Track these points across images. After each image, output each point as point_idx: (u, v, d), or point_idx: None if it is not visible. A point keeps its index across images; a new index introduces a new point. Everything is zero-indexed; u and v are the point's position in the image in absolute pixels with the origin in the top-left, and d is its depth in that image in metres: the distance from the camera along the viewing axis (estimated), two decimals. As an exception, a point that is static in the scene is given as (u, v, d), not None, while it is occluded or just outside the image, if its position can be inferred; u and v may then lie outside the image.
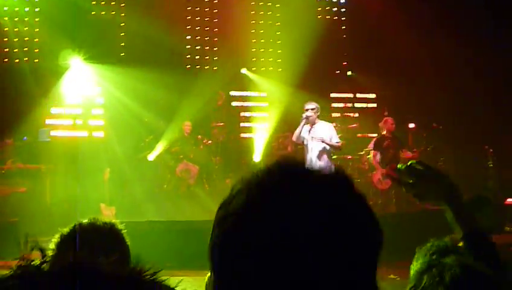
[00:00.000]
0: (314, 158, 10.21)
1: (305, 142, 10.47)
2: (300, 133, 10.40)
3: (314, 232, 1.01)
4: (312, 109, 10.34)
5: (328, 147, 10.32)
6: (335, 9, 17.28)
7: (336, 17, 17.14)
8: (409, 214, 11.76)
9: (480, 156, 14.29)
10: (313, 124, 10.35)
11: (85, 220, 2.34)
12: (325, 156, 10.33)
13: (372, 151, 12.90)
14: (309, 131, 10.37)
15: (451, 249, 2.18)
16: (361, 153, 14.30)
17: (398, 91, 15.70)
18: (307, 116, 10.25)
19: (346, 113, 16.70)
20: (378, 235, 1.09)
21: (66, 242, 2.23)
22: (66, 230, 2.28)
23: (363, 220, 1.08)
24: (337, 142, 10.44)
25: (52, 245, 2.26)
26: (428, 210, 12.95)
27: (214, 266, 1.09)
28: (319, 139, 10.22)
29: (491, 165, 14.00)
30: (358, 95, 17.43)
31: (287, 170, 1.10)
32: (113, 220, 2.40)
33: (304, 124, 10.32)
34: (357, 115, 16.89)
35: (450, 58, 14.99)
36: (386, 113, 13.66)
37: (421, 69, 15.20)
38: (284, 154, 12.49)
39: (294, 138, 10.65)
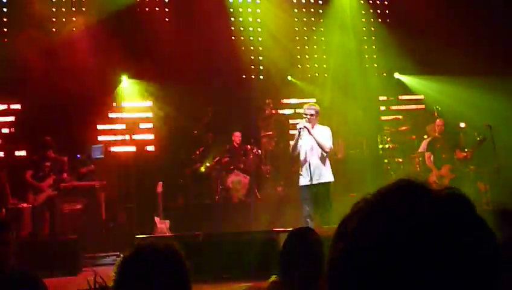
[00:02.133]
0: (320, 163, 9.74)
1: (302, 149, 9.81)
2: (297, 144, 9.77)
3: (437, 254, 1.01)
4: (312, 115, 9.73)
5: (325, 154, 9.79)
6: (379, 11, 17.16)
7: (381, 19, 17.01)
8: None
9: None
10: (307, 130, 9.69)
11: (145, 241, 2.37)
12: (327, 161, 9.83)
13: (426, 153, 12.75)
14: (300, 138, 9.73)
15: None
16: (413, 155, 14.14)
17: (447, 91, 15.53)
18: (303, 127, 9.61)
19: (395, 116, 16.57)
20: (498, 262, 1.07)
21: (127, 266, 2.27)
22: (127, 253, 2.31)
23: (487, 245, 1.07)
24: (330, 147, 9.83)
25: (114, 269, 2.30)
26: (484, 210, 12.80)
27: (330, 282, 1.10)
28: (316, 138, 9.63)
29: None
30: (407, 97, 17.25)
31: (408, 188, 1.10)
32: (171, 240, 2.42)
33: (301, 135, 9.68)
34: (406, 117, 16.70)
35: (498, 53, 14.78)
36: (435, 114, 13.48)
37: (469, 67, 14.97)
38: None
39: (291, 151, 9.87)
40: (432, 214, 1.04)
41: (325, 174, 9.72)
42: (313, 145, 9.70)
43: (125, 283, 2.22)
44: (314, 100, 15.10)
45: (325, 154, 9.77)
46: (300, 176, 9.81)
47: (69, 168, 12.32)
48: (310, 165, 9.65)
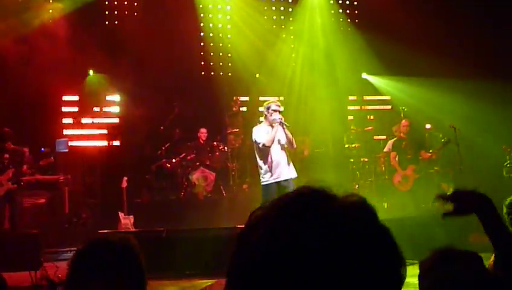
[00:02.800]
0: (287, 160, 9.59)
1: (272, 145, 9.54)
2: (274, 138, 9.48)
3: (336, 261, 0.99)
4: (280, 111, 9.64)
5: (290, 151, 9.69)
6: (348, 10, 17.28)
7: (350, 19, 17.12)
8: (428, 215, 11.70)
9: (498, 156, 14.19)
10: (285, 123, 9.51)
11: (100, 235, 2.34)
12: (289, 158, 9.70)
13: (391, 153, 12.85)
14: (275, 131, 9.47)
15: (448, 256, 2.19)
16: (378, 155, 14.26)
17: (414, 92, 15.71)
18: (280, 118, 9.44)
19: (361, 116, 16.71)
20: (403, 270, 1.06)
21: (81, 260, 2.23)
22: (81, 248, 2.28)
23: (389, 252, 1.05)
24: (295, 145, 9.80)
25: (68, 263, 2.27)
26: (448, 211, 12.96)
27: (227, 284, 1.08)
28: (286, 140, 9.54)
29: (509, 165, 13.89)
30: (373, 97, 17.39)
31: (311, 194, 1.08)
32: (130, 234, 2.39)
33: (281, 127, 9.48)
34: (372, 117, 16.86)
35: (465, 55, 14.98)
36: (401, 115, 13.61)
37: (436, 68, 15.14)
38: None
39: (269, 144, 9.47)
40: (334, 224, 1.02)
41: (291, 171, 9.66)
42: (280, 142, 9.56)
43: (78, 276, 2.19)
44: (282, 98, 15.19)
45: (289, 151, 9.69)
46: (266, 173, 9.61)
47: (31, 161, 12.12)
48: (276, 161, 9.53)
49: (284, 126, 9.46)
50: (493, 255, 4.42)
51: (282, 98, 14.92)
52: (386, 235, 1.07)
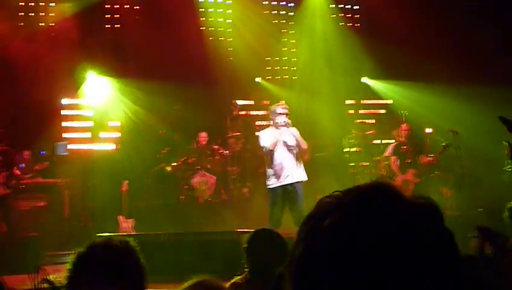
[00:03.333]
0: (295, 163, 9.51)
1: (277, 148, 9.51)
2: (277, 141, 9.45)
3: (407, 258, 1.00)
4: (287, 114, 9.53)
5: (299, 153, 9.59)
6: (349, 15, 17.29)
7: (351, 24, 17.14)
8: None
9: (498, 161, 14.18)
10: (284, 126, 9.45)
11: (100, 238, 2.34)
12: (301, 160, 9.63)
13: (391, 157, 12.83)
14: (280, 134, 9.47)
15: None
16: (378, 158, 14.25)
17: (414, 96, 15.71)
18: (285, 121, 9.39)
19: (362, 120, 16.69)
20: (461, 274, 1.06)
21: (81, 262, 2.23)
22: (81, 250, 2.28)
23: (453, 255, 1.07)
24: (306, 145, 9.66)
25: (68, 265, 2.26)
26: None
27: (294, 280, 1.07)
28: (294, 143, 9.43)
29: (510, 169, 13.86)
30: (374, 101, 17.40)
31: (382, 191, 1.09)
32: (130, 237, 2.39)
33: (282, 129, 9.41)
34: (372, 121, 16.84)
35: (465, 60, 14.99)
36: (402, 119, 13.60)
37: (437, 73, 15.15)
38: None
39: (272, 147, 9.43)
40: (406, 223, 1.03)
41: (301, 173, 9.58)
42: (287, 144, 9.48)
43: (80, 279, 2.19)
44: (282, 102, 15.17)
45: (298, 153, 9.58)
46: (271, 177, 9.53)
47: (30, 164, 12.09)
48: (281, 165, 9.46)
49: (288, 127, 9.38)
50: None
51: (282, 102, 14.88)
52: (452, 239, 1.09)
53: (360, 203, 1.06)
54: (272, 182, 9.47)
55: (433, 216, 1.08)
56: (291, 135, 9.44)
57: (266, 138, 9.50)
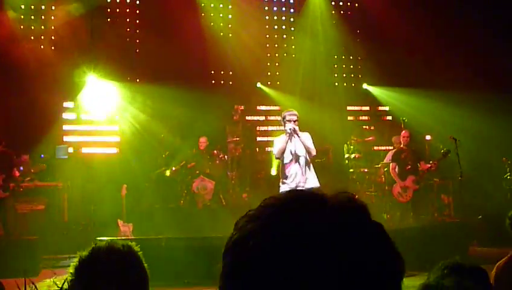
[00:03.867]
0: (306, 170, 9.44)
1: (286, 155, 9.47)
2: (285, 148, 9.40)
3: (331, 259, 0.98)
4: (297, 119, 9.41)
5: (309, 159, 9.51)
6: (350, 21, 17.30)
7: (350, 30, 17.16)
8: (426, 226, 11.72)
9: (498, 168, 14.20)
10: (296, 133, 9.35)
11: (103, 242, 2.33)
12: (311, 166, 9.59)
13: (391, 164, 12.83)
14: (289, 141, 9.39)
15: (457, 269, 2.19)
16: (378, 166, 14.25)
17: (414, 103, 15.72)
18: (294, 128, 9.27)
19: (362, 126, 16.70)
20: (400, 264, 1.05)
21: (84, 267, 2.23)
22: (84, 254, 2.28)
23: (384, 248, 1.05)
24: (315, 151, 9.55)
25: (71, 269, 2.26)
26: (446, 222, 12.97)
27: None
28: (304, 142, 9.35)
29: (510, 177, 13.89)
30: (374, 108, 17.42)
31: (302, 196, 1.07)
32: (130, 241, 2.38)
33: (290, 137, 9.37)
34: (372, 128, 16.85)
35: (464, 68, 15.01)
36: (402, 126, 13.60)
37: (436, 81, 15.18)
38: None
39: (278, 155, 9.45)
40: (322, 225, 1.01)
41: (312, 179, 9.53)
42: (298, 150, 9.42)
43: (82, 283, 2.18)
44: (280, 108, 15.21)
45: (309, 159, 9.50)
46: (283, 184, 9.46)
47: (29, 167, 12.06)
48: (290, 172, 9.40)
49: (297, 135, 9.33)
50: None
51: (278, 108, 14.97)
52: (379, 230, 1.06)
53: (279, 209, 1.05)
54: (284, 189, 9.40)
55: (357, 209, 1.06)
56: (300, 143, 9.42)
57: (277, 145, 9.52)
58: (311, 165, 9.60)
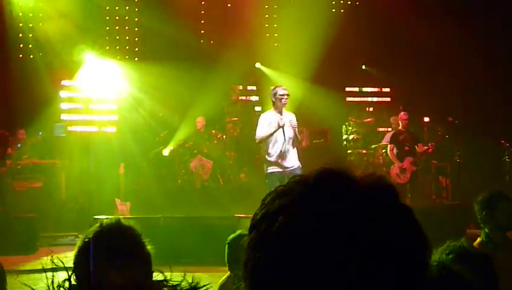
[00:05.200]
0: (290, 147, 9.21)
1: (275, 135, 9.21)
2: (270, 136, 9.19)
3: (362, 239, 0.97)
4: (288, 95, 9.25)
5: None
6: (349, 2, 17.20)
7: (350, 10, 17.05)
8: (424, 209, 11.74)
9: (496, 151, 14.19)
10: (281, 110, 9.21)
11: (108, 220, 2.31)
12: (296, 146, 9.35)
13: (389, 145, 12.82)
14: (277, 121, 9.12)
15: (463, 257, 2.18)
16: (375, 146, 14.25)
17: (413, 85, 15.67)
18: (291, 122, 9.13)
19: (361, 107, 16.66)
20: (427, 247, 1.04)
21: (90, 246, 2.20)
22: (89, 233, 2.25)
23: (413, 231, 1.04)
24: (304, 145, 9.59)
25: (76, 248, 2.24)
26: (444, 205, 13.00)
27: (248, 269, 1.03)
28: (294, 126, 9.15)
29: (508, 159, 13.88)
30: (373, 89, 17.37)
31: (333, 174, 1.06)
32: (129, 220, 2.37)
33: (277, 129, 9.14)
34: (371, 109, 16.81)
35: (463, 49, 14.94)
36: (400, 108, 13.58)
37: (435, 63, 15.13)
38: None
39: (258, 141, 9.37)
40: (357, 206, 1.00)
41: (297, 162, 9.41)
42: (288, 134, 9.21)
43: (87, 262, 2.16)
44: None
45: (295, 140, 9.31)
46: (270, 163, 9.25)
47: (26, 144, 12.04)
48: (283, 152, 9.20)
49: (286, 126, 9.17)
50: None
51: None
52: (410, 215, 1.06)
53: (306, 199, 1.02)
54: (271, 168, 9.31)
55: (388, 194, 1.05)
56: (289, 124, 9.27)
57: (263, 126, 9.30)
58: (297, 144, 9.42)
